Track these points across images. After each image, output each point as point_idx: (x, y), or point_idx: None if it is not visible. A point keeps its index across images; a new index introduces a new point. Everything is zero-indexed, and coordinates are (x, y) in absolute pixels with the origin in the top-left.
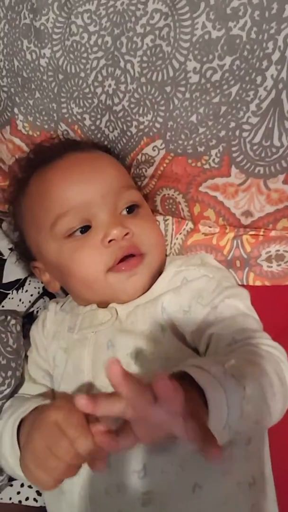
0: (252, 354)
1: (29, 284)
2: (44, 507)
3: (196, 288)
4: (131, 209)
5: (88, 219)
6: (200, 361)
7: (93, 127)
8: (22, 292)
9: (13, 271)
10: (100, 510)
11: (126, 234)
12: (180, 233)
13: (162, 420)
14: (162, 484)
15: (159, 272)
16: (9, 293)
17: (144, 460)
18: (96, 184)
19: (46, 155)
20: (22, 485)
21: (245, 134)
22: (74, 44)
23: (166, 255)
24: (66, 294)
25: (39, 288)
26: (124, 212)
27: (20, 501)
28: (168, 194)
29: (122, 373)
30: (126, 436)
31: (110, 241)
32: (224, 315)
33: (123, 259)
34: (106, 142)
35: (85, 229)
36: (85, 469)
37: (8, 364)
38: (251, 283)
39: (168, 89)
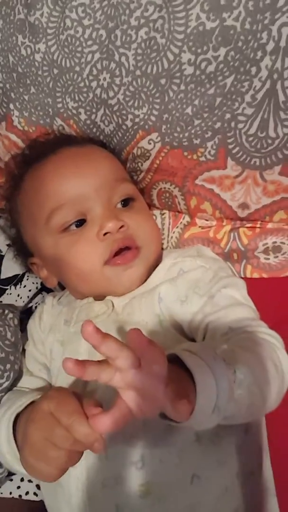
0: (247, 341)
1: (27, 279)
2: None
3: (193, 279)
4: (126, 202)
5: (83, 212)
6: (191, 345)
7: (88, 122)
8: (20, 287)
9: (11, 267)
10: (98, 503)
11: (121, 227)
12: (177, 227)
13: (147, 384)
14: (160, 475)
15: (155, 265)
16: (7, 289)
17: (142, 451)
18: (90, 177)
19: (40, 151)
20: (22, 479)
21: (240, 125)
22: (69, 38)
23: (162, 248)
24: (63, 289)
25: (37, 283)
26: (119, 206)
27: (20, 496)
28: (165, 187)
29: (98, 333)
30: (118, 408)
31: (105, 234)
32: (220, 305)
33: (118, 252)
34: (101, 137)
35: (80, 222)
36: (81, 462)
37: (7, 357)
38: (248, 275)
39: (163, 81)
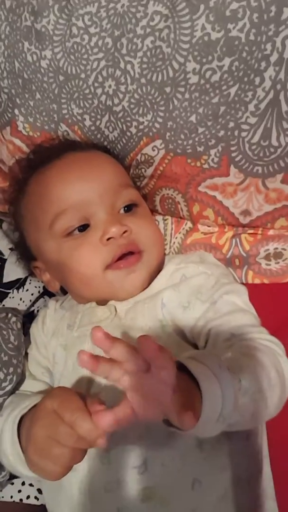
0: (250, 348)
1: (29, 283)
2: (45, 505)
3: (195, 285)
4: (129, 207)
5: (86, 217)
6: (196, 353)
7: (93, 128)
8: (22, 291)
9: (13, 271)
10: (100, 507)
11: (125, 232)
12: (180, 232)
13: (154, 388)
14: (162, 479)
15: (157, 270)
16: (9, 292)
17: (144, 455)
18: (94, 182)
19: (45, 156)
20: (23, 483)
21: (244, 134)
22: (75, 46)
23: (164, 253)
24: (66, 293)
25: (39, 287)
26: (122, 211)
27: (21, 500)
28: (168, 194)
29: (108, 338)
30: (123, 408)
31: (108, 239)
32: (222, 311)
33: (121, 257)
34: (106, 143)
35: (84, 227)
36: (84, 466)
37: (10, 360)
38: (250, 281)
39: (168, 89)
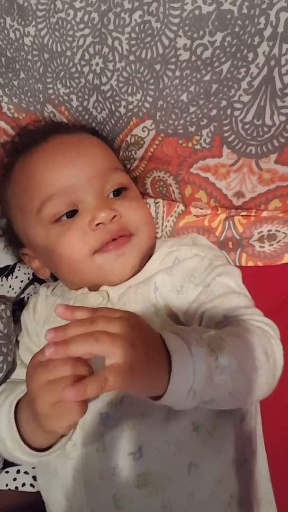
0: (239, 328)
1: (18, 270)
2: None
3: (188, 267)
4: (118, 191)
5: (74, 203)
6: (179, 328)
7: (80, 108)
8: (11, 278)
9: (2, 258)
10: (95, 494)
11: (114, 217)
12: (171, 215)
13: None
14: (158, 465)
15: (148, 254)
16: None
17: (139, 442)
18: (82, 167)
19: (30, 139)
20: (18, 471)
21: (236, 113)
22: (60, 22)
23: (155, 237)
24: (56, 280)
25: (29, 274)
26: (112, 195)
27: (16, 487)
28: (159, 176)
29: (68, 308)
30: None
31: (97, 224)
32: (215, 293)
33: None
34: (94, 124)
35: (72, 213)
36: (78, 453)
37: (0, 349)
38: (243, 263)
39: (157, 67)
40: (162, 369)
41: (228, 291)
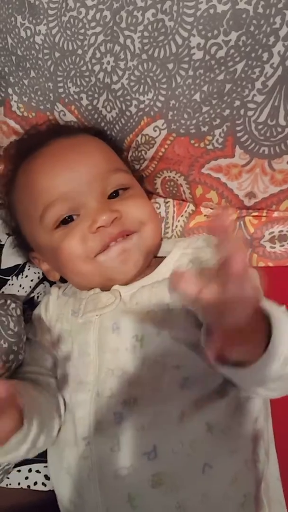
0: None
1: (28, 269)
2: (53, 491)
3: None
4: (117, 192)
5: (76, 207)
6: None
7: (90, 107)
8: (22, 277)
9: (11, 257)
10: (110, 494)
11: (115, 219)
12: (182, 215)
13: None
14: (172, 465)
15: (154, 251)
16: (8, 279)
17: (154, 442)
18: (81, 171)
19: (32, 144)
20: (30, 470)
21: (250, 113)
22: (71, 20)
23: (161, 234)
24: (66, 281)
25: (39, 273)
26: (113, 196)
27: (28, 486)
28: (169, 176)
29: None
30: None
31: (98, 227)
32: None
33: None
34: (103, 124)
35: (74, 218)
36: (93, 453)
37: (10, 347)
38: (254, 264)
39: (170, 66)
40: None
41: None
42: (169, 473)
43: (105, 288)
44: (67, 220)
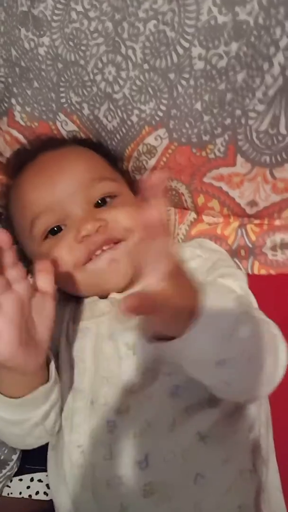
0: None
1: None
2: None
3: (190, 268)
4: (104, 200)
5: (63, 218)
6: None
7: (91, 117)
8: None
9: None
10: (103, 502)
11: (99, 227)
12: (184, 223)
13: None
14: (164, 474)
15: None
16: None
17: (146, 451)
18: (64, 182)
19: (23, 159)
20: (31, 479)
21: (251, 122)
22: (74, 31)
23: None
24: None
25: None
26: (98, 204)
27: (30, 495)
28: (171, 185)
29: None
30: None
31: (83, 236)
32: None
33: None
34: (104, 133)
35: (61, 228)
36: (87, 460)
37: None
38: (256, 272)
39: (171, 76)
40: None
41: (228, 293)
42: (161, 483)
43: (103, 296)
44: (55, 231)
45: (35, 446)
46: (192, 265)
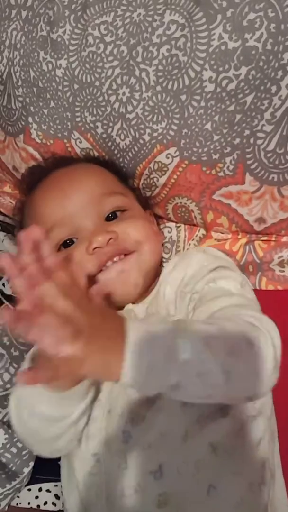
0: (217, 319)
1: None
2: (63, 511)
3: (189, 274)
4: (116, 214)
5: (74, 231)
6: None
7: (104, 135)
8: None
9: None
10: (117, 511)
11: (110, 239)
12: (193, 239)
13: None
14: (177, 485)
15: (154, 272)
16: None
17: (159, 461)
18: (75, 196)
19: (37, 177)
20: (40, 489)
21: (259, 141)
22: (90, 55)
23: (159, 253)
24: None
25: None
26: (109, 218)
27: (38, 506)
28: (181, 202)
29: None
30: None
31: (94, 248)
32: (207, 297)
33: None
34: (116, 151)
35: (73, 241)
36: (101, 470)
37: (21, 355)
38: (263, 287)
39: (183, 97)
40: (118, 348)
41: (221, 294)
42: (175, 493)
43: (119, 308)
44: (68, 244)
45: (63, 452)
46: (190, 273)
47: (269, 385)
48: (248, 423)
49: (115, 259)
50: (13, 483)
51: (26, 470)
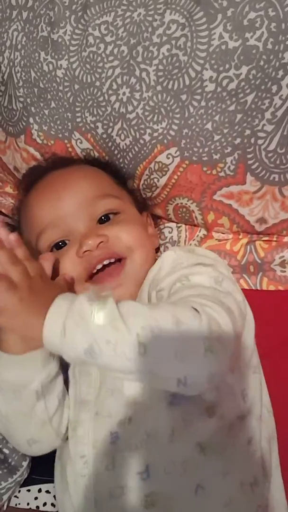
0: (162, 303)
1: None
2: None
3: (161, 274)
4: (108, 216)
5: (65, 233)
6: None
7: (105, 136)
8: None
9: None
10: None
11: (100, 242)
12: (194, 239)
13: None
14: (165, 485)
15: (143, 276)
16: None
17: (147, 461)
18: (67, 199)
19: (33, 178)
20: (39, 490)
21: (260, 141)
22: (91, 55)
23: (150, 260)
24: None
25: None
26: (101, 221)
27: (37, 507)
28: (181, 203)
29: None
30: None
31: (85, 251)
32: (176, 292)
33: (103, 268)
34: (116, 151)
35: (67, 242)
36: (89, 471)
37: None
38: (264, 287)
39: (183, 97)
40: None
41: (188, 287)
42: (162, 494)
43: None
44: (60, 246)
45: (42, 447)
46: (164, 271)
47: (204, 369)
48: (236, 423)
49: (105, 262)
50: (14, 477)
51: (25, 464)
